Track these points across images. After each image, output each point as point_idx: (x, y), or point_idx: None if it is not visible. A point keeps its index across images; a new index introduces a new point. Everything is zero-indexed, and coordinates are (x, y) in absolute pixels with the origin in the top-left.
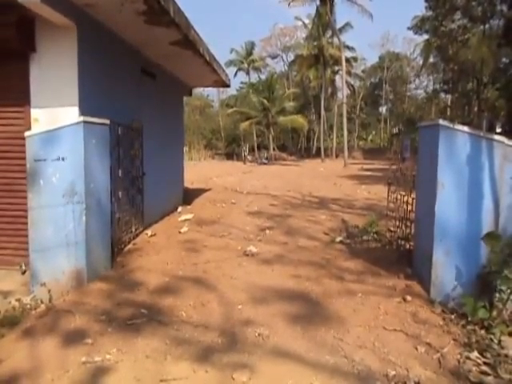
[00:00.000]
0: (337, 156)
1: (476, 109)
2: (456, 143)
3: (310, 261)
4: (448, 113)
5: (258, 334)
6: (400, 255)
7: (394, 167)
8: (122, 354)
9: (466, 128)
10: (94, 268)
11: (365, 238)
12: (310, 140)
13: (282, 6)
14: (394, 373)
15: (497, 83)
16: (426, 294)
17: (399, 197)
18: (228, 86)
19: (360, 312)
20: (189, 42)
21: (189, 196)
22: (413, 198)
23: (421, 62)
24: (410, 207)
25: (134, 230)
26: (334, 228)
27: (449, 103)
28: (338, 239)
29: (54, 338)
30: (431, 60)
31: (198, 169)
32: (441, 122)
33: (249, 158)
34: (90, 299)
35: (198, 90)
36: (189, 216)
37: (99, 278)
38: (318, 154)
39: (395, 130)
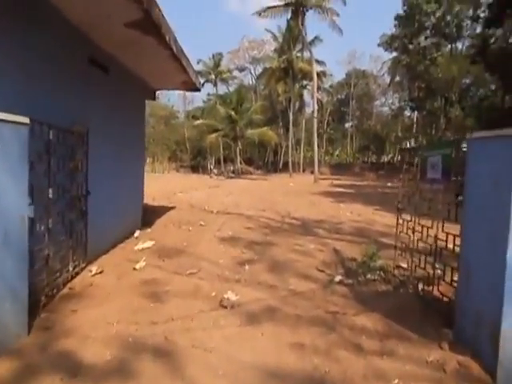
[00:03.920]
0: (303, 171)
1: (444, 127)
2: None
3: (312, 316)
4: (414, 130)
5: None
6: (424, 305)
7: (404, 189)
8: None
9: None
10: None
11: (369, 276)
12: (278, 154)
13: (249, 20)
14: None
15: (464, 102)
16: (489, 377)
17: (419, 228)
18: (198, 89)
19: None
20: (151, 23)
21: (149, 216)
22: (447, 233)
23: (387, 80)
24: (438, 243)
25: (71, 267)
26: (327, 261)
27: (415, 120)
28: (337, 278)
29: None
30: (397, 78)
31: (162, 182)
32: None
33: (214, 171)
34: None
35: (162, 100)
36: (148, 244)
37: (6, 354)
38: (284, 169)
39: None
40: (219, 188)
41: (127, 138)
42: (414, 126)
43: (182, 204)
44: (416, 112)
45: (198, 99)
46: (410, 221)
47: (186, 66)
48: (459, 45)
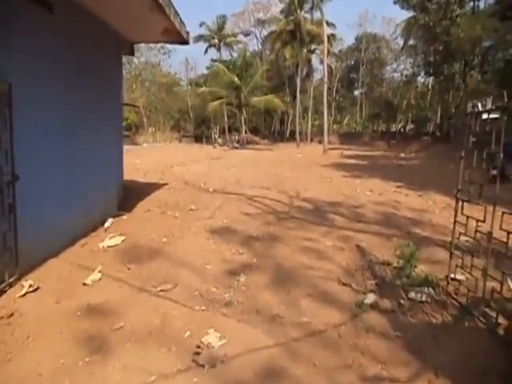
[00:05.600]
0: (311, 140)
1: (462, 93)
2: None
3: None
4: (429, 97)
5: None
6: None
7: (468, 172)
8: None
9: None
10: None
11: (413, 295)
12: (284, 123)
13: None
14: None
15: (486, 66)
16: None
17: (496, 232)
18: (186, 42)
19: None
20: None
21: (132, 196)
22: None
23: (400, 44)
24: None
25: None
26: (351, 267)
27: (429, 87)
28: (370, 299)
29: None
30: (411, 42)
31: (160, 154)
32: None
33: (219, 141)
34: None
35: (164, 68)
36: (116, 240)
37: None
38: (291, 138)
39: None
40: (222, 160)
41: (91, 101)
42: (429, 92)
43: (175, 180)
44: (431, 78)
45: (201, 66)
46: (483, 221)
47: (164, 6)
48: (481, 4)
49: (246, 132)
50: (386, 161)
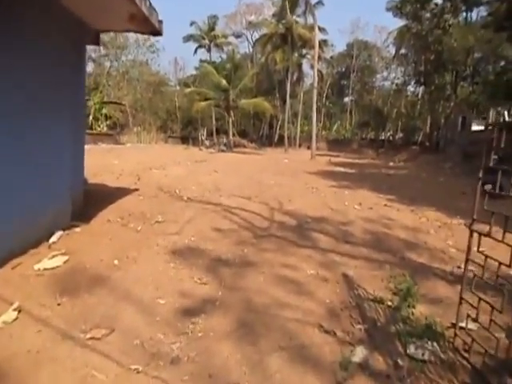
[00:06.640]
0: (299, 145)
1: (453, 103)
2: None
3: None
4: (418, 106)
5: None
6: None
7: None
8: None
9: None
10: None
11: (412, 351)
12: (273, 127)
13: None
14: None
15: (477, 77)
16: None
17: None
18: (158, 32)
19: None
20: None
21: (95, 203)
22: None
23: (392, 52)
24: None
25: None
26: (336, 305)
27: (420, 96)
28: (358, 356)
29: None
30: (403, 51)
31: (142, 154)
32: None
33: (206, 143)
34: None
35: (152, 66)
36: (57, 260)
37: None
38: (280, 142)
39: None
40: (205, 163)
41: (32, 95)
42: (419, 102)
43: (149, 186)
44: (422, 87)
45: (191, 66)
46: (509, 266)
47: None
48: (473, 15)
49: (233, 135)
50: (375, 169)
